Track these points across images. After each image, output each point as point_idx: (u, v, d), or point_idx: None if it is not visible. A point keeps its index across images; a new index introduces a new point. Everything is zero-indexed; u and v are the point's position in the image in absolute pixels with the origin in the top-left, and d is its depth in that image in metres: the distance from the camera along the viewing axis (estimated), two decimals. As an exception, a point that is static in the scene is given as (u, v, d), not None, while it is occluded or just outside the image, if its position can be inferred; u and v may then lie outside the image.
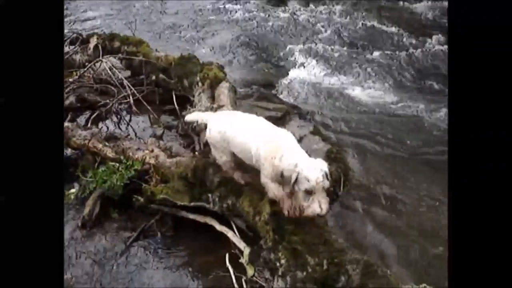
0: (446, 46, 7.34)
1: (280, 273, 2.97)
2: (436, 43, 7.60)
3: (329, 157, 4.54)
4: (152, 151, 3.96)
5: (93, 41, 6.14)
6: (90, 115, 5.19)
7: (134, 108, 5.15)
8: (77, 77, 5.67)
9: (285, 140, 3.18)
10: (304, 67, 6.87)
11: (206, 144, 4.10)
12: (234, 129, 3.37)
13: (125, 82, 5.35)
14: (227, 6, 9.29)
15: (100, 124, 5.12)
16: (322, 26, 8.36)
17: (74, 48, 6.28)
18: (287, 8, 9.22)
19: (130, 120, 5.25)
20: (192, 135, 4.49)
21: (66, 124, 4.37)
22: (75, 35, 6.40)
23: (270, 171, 3.11)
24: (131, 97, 5.22)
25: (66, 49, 6.42)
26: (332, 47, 7.58)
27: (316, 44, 7.55)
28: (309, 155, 4.32)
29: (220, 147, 3.48)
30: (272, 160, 3.07)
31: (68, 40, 6.31)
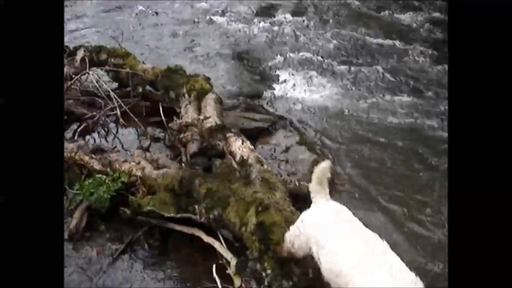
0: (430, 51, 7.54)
1: (266, 283, 3.00)
2: (419, 54, 7.73)
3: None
4: (139, 163, 3.98)
5: (80, 54, 6.15)
6: (77, 128, 5.19)
7: (121, 120, 5.17)
8: (64, 89, 5.67)
9: None
10: (291, 78, 6.93)
11: (193, 155, 4.14)
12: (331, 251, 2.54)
13: (112, 94, 5.36)
14: (213, 17, 9.35)
15: (87, 137, 5.12)
16: (309, 39, 8.44)
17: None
18: (274, 19, 9.29)
19: (117, 132, 5.25)
20: (179, 146, 4.51)
21: (52, 137, 4.37)
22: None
23: None
24: (118, 109, 5.23)
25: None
26: (319, 58, 7.66)
27: (303, 56, 7.62)
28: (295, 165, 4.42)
29: (300, 247, 2.82)
30: None
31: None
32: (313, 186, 2.90)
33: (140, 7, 9.93)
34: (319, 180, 2.88)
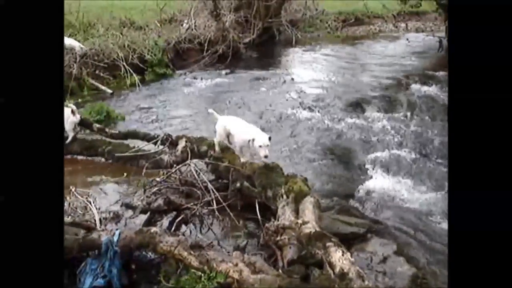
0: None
1: None
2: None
3: (415, 283, 4.35)
4: (237, 264, 3.97)
5: (182, 143, 6.49)
6: (174, 218, 5.35)
7: (217, 213, 5.27)
8: (164, 177, 5.95)
9: None
10: (384, 178, 6.80)
11: (291, 262, 4.08)
12: None
13: (210, 186, 5.53)
14: (304, 111, 9.58)
15: (183, 228, 5.25)
16: (400, 136, 8.35)
17: (163, 148, 6.68)
18: (366, 114, 9.36)
19: (211, 224, 5.34)
20: (275, 248, 4.46)
21: (154, 229, 4.51)
22: (165, 136, 6.82)
23: None
24: (214, 202, 5.36)
25: (155, 148, 6.84)
26: (412, 157, 7.50)
27: (396, 154, 7.51)
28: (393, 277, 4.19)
29: None
30: None
31: (159, 141, 6.74)
32: None
33: (235, 98, 10.47)
34: None
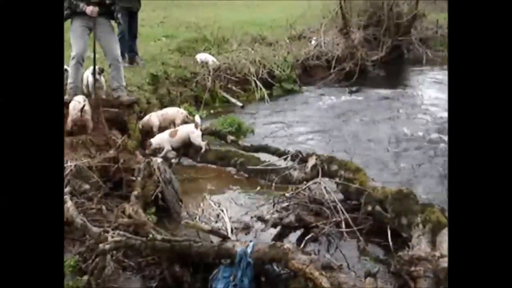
0: None
1: None
2: None
3: None
4: (369, 291, 3.91)
5: (312, 161, 6.57)
6: (303, 235, 5.41)
7: (345, 234, 5.25)
8: (294, 193, 6.05)
9: None
10: None
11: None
12: None
13: (339, 206, 5.52)
14: (434, 136, 9.17)
15: (311, 246, 5.29)
16: None
17: (293, 164, 6.81)
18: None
19: (338, 244, 5.31)
20: (407, 278, 4.32)
21: (287, 245, 4.59)
22: (295, 152, 6.96)
23: None
24: (343, 223, 5.34)
25: (284, 163, 7.00)
26: None
27: None
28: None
29: None
30: None
31: (289, 156, 6.90)
32: None
33: (363, 117, 10.33)
34: None
